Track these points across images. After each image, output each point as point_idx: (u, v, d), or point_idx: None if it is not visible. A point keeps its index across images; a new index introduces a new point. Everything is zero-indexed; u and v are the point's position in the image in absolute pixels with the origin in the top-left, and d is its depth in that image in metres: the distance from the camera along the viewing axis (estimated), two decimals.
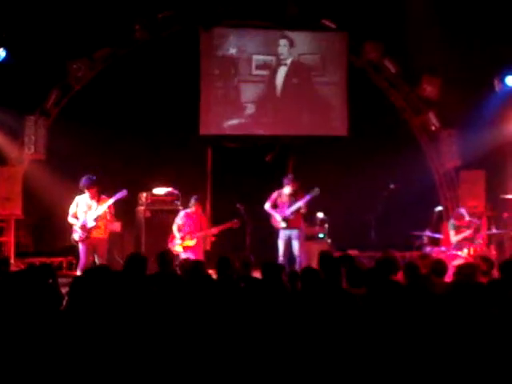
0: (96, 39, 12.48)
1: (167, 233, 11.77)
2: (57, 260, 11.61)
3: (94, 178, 10.70)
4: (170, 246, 11.67)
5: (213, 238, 12.01)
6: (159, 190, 12.33)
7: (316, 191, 11.54)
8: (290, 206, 11.70)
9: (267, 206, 11.86)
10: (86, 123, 12.62)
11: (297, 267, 11.04)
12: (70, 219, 10.71)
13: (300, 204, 11.63)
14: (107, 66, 12.87)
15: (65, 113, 12.75)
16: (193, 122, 13.26)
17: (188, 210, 11.77)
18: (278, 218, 11.71)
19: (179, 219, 11.73)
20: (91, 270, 6.49)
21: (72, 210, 10.70)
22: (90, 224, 10.58)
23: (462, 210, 12.35)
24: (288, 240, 11.73)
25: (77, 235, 10.65)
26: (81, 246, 10.66)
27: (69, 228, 10.93)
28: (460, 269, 7.12)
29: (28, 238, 12.87)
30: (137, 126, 13.06)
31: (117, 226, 12.33)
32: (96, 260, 10.63)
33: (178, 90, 13.12)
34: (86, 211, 10.64)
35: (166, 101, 13.16)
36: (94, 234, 10.63)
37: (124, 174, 12.60)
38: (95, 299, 5.30)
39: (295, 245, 11.70)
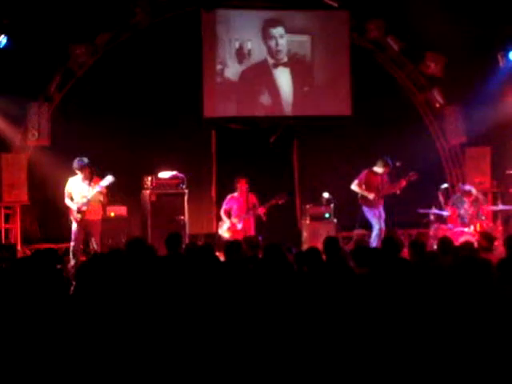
0: (97, 24, 12.42)
1: (173, 216, 11.82)
2: (63, 246, 11.62)
3: (86, 159, 10.84)
4: (218, 231, 11.89)
5: (264, 218, 12.03)
6: (164, 174, 12.32)
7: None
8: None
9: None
10: (90, 108, 12.63)
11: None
12: (67, 201, 10.88)
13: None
14: (109, 50, 12.81)
15: (68, 98, 12.72)
16: (196, 105, 13.23)
17: (234, 194, 12.05)
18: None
19: (225, 204, 12.10)
20: (100, 255, 6.50)
21: (67, 191, 10.88)
22: (83, 207, 10.74)
23: (468, 187, 12.36)
24: (379, 216, 12.22)
25: (72, 217, 10.82)
26: (74, 226, 10.83)
27: (66, 210, 10.99)
28: (461, 246, 7.13)
29: (34, 224, 12.88)
30: (140, 110, 13.03)
31: (123, 210, 12.38)
32: (91, 242, 10.79)
33: (181, 74, 13.09)
34: (80, 192, 10.79)
35: (168, 84, 13.13)
36: (88, 215, 10.80)
37: (128, 158, 12.60)
38: (102, 284, 5.31)
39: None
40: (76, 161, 10.84)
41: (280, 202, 12.04)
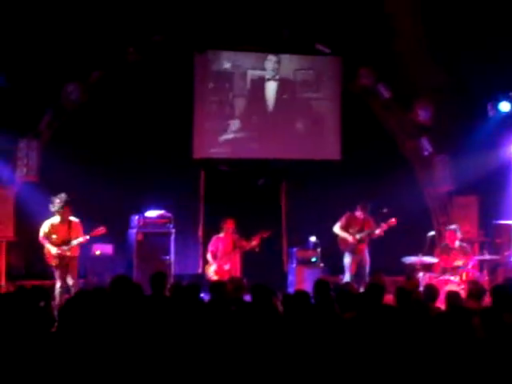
0: (90, 62, 12.49)
1: (159, 255, 11.79)
2: (48, 283, 11.53)
3: (65, 199, 10.96)
4: (206, 273, 11.87)
5: (257, 249, 12.14)
6: (151, 213, 12.31)
7: None
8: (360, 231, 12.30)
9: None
10: (79, 146, 12.64)
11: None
12: (43, 239, 11.02)
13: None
14: (101, 88, 12.87)
15: (58, 135, 12.72)
16: (186, 145, 13.28)
17: (219, 235, 12.11)
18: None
19: (211, 245, 12.14)
20: (84, 293, 6.44)
21: (44, 230, 11.03)
22: (67, 253, 10.93)
23: (453, 226, 12.40)
24: (355, 264, 12.33)
25: (52, 260, 10.98)
26: (56, 271, 11.00)
27: (41, 248, 11.10)
28: (449, 295, 7.12)
29: (20, 260, 12.79)
30: (130, 149, 13.04)
31: (108, 249, 12.34)
32: (67, 279, 10.89)
33: (172, 113, 13.16)
34: (60, 236, 10.96)
35: (159, 124, 13.17)
36: (66, 259, 10.99)
37: (116, 195, 12.54)
38: (85, 322, 5.26)
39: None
40: (56, 201, 10.97)
41: (265, 236, 12.11)
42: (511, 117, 13.47)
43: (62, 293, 10.81)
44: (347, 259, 12.39)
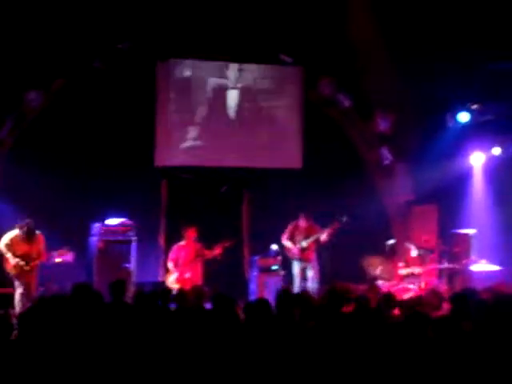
0: (52, 70, 12.44)
1: (120, 263, 11.76)
2: (8, 291, 11.43)
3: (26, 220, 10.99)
4: (166, 282, 11.84)
5: (219, 257, 12.19)
6: (112, 221, 12.26)
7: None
8: (306, 238, 12.42)
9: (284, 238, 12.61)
10: (41, 153, 12.53)
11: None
12: (3, 248, 10.96)
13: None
14: (63, 96, 12.81)
15: (19, 142, 12.64)
16: (148, 153, 13.27)
17: (180, 243, 12.10)
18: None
19: (172, 253, 12.13)
20: (44, 300, 6.43)
21: (4, 241, 10.99)
22: (26, 267, 10.92)
23: (408, 245, 12.59)
24: (303, 272, 12.46)
25: (11, 270, 10.95)
26: (16, 281, 10.96)
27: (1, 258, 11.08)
28: (406, 303, 7.20)
29: None
30: (91, 157, 12.98)
31: (69, 257, 12.26)
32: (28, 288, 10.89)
33: (134, 121, 13.12)
34: (20, 249, 10.94)
35: (121, 132, 13.12)
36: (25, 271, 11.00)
37: (77, 203, 12.50)
38: (46, 329, 5.26)
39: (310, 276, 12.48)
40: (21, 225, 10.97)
41: (227, 245, 12.17)
42: (470, 127, 13.66)
43: (21, 301, 10.74)
44: (295, 268, 12.59)
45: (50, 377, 4.65)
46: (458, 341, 5.40)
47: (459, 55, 12.43)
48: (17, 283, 10.94)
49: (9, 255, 10.91)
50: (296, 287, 12.18)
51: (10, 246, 10.94)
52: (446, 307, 8.47)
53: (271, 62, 14.06)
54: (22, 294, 10.82)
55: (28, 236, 10.94)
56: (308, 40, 13.34)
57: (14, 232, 11.02)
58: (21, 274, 10.92)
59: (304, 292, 10.07)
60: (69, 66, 12.60)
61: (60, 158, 12.72)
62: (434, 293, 8.73)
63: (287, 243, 12.58)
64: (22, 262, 10.87)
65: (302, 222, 12.55)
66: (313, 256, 12.55)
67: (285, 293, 7.75)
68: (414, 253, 12.43)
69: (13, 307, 10.63)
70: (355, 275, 12.83)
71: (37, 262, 11.07)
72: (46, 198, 11.48)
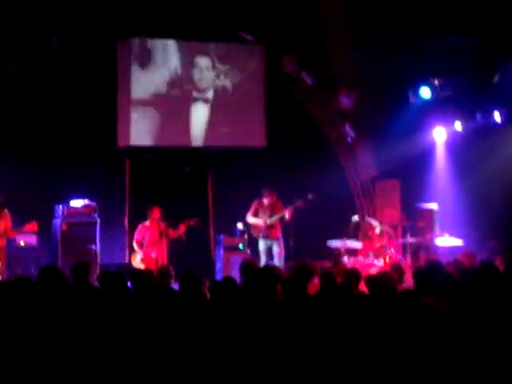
0: (8, 52, 12.27)
1: (85, 245, 11.69)
2: None
3: None
4: (132, 262, 11.76)
5: (183, 236, 12.07)
6: (76, 203, 12.18)
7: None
8: (271, 216, 12.37)
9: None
10: (1, 136, 12.40)
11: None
12: None
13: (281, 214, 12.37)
14: (20, 79, 12.64)
15: None
16: (110, 134, 13.17)
17: (145, 223, 11.97)
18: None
19: (136, 234, 12.01)
20: (9, 283, 6.38)
21: None
22: None
23: (369, 220, 12.67)
24: (269, 249, 12.43)
25: None
26: None
27: None
28: (370, 278, 7.24)
29: None
30: (53, 138, 12.86)
31: (33, 239, 12.16)
32: None
33: (96, 102, 13.01)
34: None
35: (83, 113, 13.01)
36: None
37: (39, 185, 12.41)
38: (10, 312, 5.23)
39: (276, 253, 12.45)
40: None
41: (191, 223, 12.08)
42: (431, 103, 13.74)
43: None
44: (261, 245, 12.58)
45: (18, 360, 4.63)
46: (418, 315, 5.43)
47: (422, 30, 12.45)
48: None
49: None
50: (262, 265, 12.18)
51: None
52: (410, 282, 8.55)
53: (232, 39, 13.99)
54: None
55: None
56: (269, 17, 13.27)
57: None
58: None
59: (269, 266, 10.12)
60: (26, 48, 12.41)
61: (21, 141, 12.57)
62: (395, 267, 8.78)
63: (252, 220, 12.57)
64: None
65: (266, 199, 12.54)
66: (278, 233, 12.57)
67: (248, 265, 7.79)
68: (377, 229, 12.50)
69: None
70: (320, 253, 12.90)
71: (3, 238, 10.87)
72: (7, 180, 11.34)
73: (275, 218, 12.48)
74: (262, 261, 12.41)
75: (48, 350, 4.86)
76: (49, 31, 12.52)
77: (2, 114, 12.53)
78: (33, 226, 10.87)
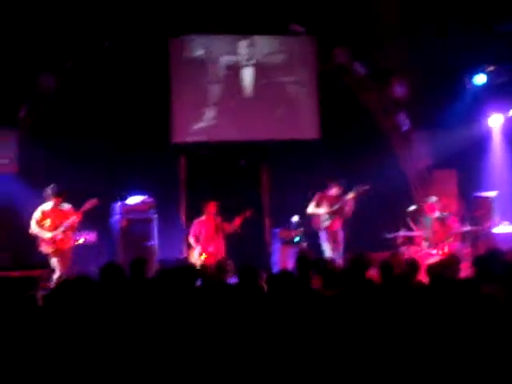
0: (63, 52, 12.47)
1: (143, 241, 11.81)
2: (36, 273, 11.51)
3: (57, 187, 10.71)
4: (190, 258, 11.82)
5: (239, 229, 12.05)
6: (134, 199, 12.31)
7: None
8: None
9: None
10: (57, 135, 12.58)
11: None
12: (35, 227, 10.62)
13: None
14: (77, 76, 12.84)
15: (37, 125, 12.71)
16: (165, 130, 13.29)
17: (201, 218, 12.03)
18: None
19: (193, 229, 12.02)
20: (69, 281, 6.45)
21: (36, 217, 10.63)
22: (58, 236, 10.59)
23: (432, 198, 12.48)
24: (330, 241, 12.28)
25: (47, 248, 10.63)
26: (53, 259, 10.63)
27: (35, 238, 10.82)
28: (431, 268, 7.18)
29: (5, 251, 12.73)
30: (109, 136, 13.02)
31: (92, 237, 12.31)
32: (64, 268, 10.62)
33: (150, 99, 13.15)
34: (53, 221, 10.63)
35: (137, 110, 13.16)
36: (61, 244, 10.64)
37: (97, 183, 12.53)
38: (72, 310, 5.29)
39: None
40: (50, 188, 10.68)
41: (247, 215, 12.03)
42: (486, 89, 13.55)
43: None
44: (323, 237, 12.41)
45: (77, 356, 4.68)
46: (478, 304, 5.37)
47: (476, 17, 12.30)
48: (54, 262, 10.62)
49: (42, 232, 10.60)
50: (327, 256, 12.07)
51: (41, 220, 10.61)
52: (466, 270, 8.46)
53: (282, 32, 13.97)
54: (61, 276, 10.38)
55: (56, 204, 10.62)
56: (320, 9, 13.24)
57: (44, 205, 10.72)
58: (57, 251, 10.59)
59: (327, 261, 10.08)
60: (80, 47, 12.60)
61: (78, 139, 12.73)
62: (453, 256, 8.69)
63: (316, 210, 12.39)
64: (56, 232, 10.57)
65: (333, 191, 12.36)
66: (338, 225, 12.43)
67: (303, 259, 7.78)
68: (437, 213, 12.33)
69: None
70: (376, 244, 12.83)
71: (70, 222, 10.67)
72: (64, 179, 11.49)
73: (337, 205, 12.27)
74: (327, 253, 12.24)
75: (110, 347, 4.92)
76: (101, 30, 12.67)
77: (60, 112, 12.72)
78: (93, 202, 10.78)
